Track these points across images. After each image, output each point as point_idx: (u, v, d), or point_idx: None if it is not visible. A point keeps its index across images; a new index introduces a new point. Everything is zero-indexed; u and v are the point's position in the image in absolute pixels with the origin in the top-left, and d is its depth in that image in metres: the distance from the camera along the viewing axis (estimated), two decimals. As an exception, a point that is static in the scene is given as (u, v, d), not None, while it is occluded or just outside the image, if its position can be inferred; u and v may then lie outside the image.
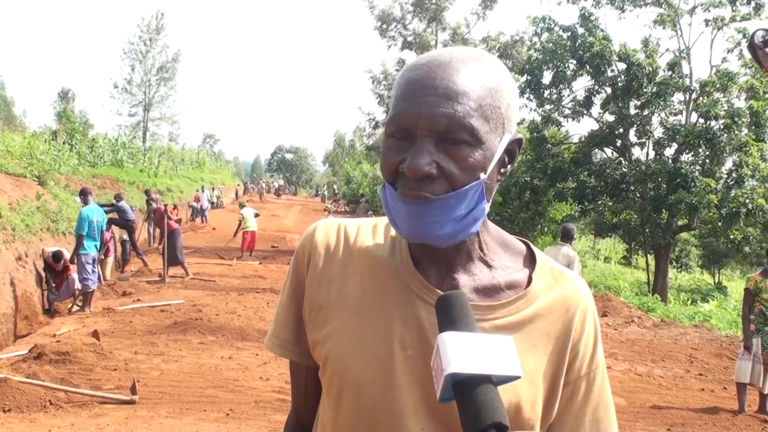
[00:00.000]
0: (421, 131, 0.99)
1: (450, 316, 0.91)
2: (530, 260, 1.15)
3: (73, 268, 10.66)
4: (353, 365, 1.07)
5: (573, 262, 8.16)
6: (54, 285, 10.79)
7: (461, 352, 0.85)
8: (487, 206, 1.04)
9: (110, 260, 13.54)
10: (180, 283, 13.13)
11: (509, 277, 1.11)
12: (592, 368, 1.11)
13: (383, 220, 1.21)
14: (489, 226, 1.14)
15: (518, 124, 1.14)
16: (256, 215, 19.37)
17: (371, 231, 1.19)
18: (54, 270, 10.75)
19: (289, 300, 1.20)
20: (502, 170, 1.08)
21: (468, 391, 0.84)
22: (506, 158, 1.08)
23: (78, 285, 10.54)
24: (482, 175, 1.01)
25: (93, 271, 10.31)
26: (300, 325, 1.18)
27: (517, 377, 0.87)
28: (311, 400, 1.23)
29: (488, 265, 1.11)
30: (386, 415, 1.04)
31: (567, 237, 8.38)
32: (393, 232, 1.17)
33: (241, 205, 19.53)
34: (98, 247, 10.61)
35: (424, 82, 1.00)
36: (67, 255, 10.59)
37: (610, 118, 21.51)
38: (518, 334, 1.04)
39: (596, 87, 21.32)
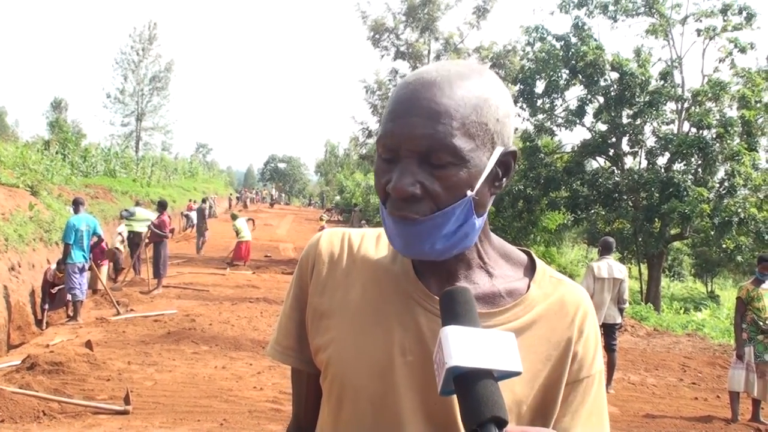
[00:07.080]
0: (403, 152, 1.00)
1: (453, 311, 0.92)
2: (531, 269, 1.16)
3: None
4: (353, 371, 1.08)
5: (625, 273, 8.17)
6: (50, 298, 10.74)
7: (463, 346, 0.87)
8: (478, 221, 1.05)
9: (104, 269, 13.47)
10: (173, 293, 13.10)
11: (509, 285, 1.12)
12: (591, 373, 1.11)
13: None
14: (492, 237, 1.15)
15: (512, 133, 1.13)
16: (249, 220, 19.37)
17: (375, 240, 1.21)
18: (57, 284, 10.67)
19: (292, 308, 1.22)
20: (497, 183, 1.08)
21: (469, 384, 0.86)
22: (500, 171, 1.07)
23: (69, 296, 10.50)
24: (469, 192, 1.02)
25: (80, 282, 10.24)
26: (302, 333, 1.20)
27: (518, 373, 0.89)
28: (312, 407, 1.25)
29: (489, 274, 1.12)
30: (385, 421, 1.05)
31: (609, 250, 8.34)
32: None
33: (234, 216, 19.46)
34: (86, 257, 10.50)
35: (409, 102, 1.01)
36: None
37: (602, 127, 21.63)
38: (518, 340, 1.02)
39: (589, 96, 21.46)
